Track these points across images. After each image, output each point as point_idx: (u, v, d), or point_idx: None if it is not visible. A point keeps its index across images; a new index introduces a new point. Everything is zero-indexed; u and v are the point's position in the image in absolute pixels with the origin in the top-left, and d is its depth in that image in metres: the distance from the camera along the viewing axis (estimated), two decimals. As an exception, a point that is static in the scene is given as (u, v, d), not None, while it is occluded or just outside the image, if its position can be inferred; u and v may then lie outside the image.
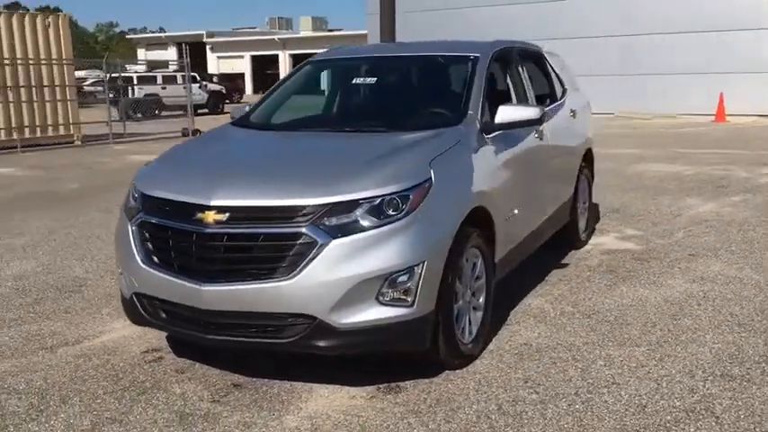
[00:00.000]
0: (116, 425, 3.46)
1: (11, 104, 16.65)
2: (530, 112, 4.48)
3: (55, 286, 5.77)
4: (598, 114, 23.07)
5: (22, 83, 16.89)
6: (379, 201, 3.51)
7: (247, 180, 3.75)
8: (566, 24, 24.86)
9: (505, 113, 4.45)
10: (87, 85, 34.86)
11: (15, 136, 16.55)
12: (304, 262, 3.39)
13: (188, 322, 3.68)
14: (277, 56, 51.70)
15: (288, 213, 3.47)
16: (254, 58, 53.58)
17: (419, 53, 5.32)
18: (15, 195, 10.43)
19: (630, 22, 24.26)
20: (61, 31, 17.75)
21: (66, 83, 17.94)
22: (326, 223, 3.44)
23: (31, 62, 17.11)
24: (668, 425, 3.33)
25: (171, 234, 3.67)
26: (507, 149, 4.61)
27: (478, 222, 4.10)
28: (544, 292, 5.29)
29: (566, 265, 5.97)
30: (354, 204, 3.48)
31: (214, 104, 32.20)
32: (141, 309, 3.87)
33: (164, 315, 3.80)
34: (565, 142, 5.87)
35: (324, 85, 5.57)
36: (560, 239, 6.22)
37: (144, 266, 3.75)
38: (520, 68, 5.35)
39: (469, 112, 4.40)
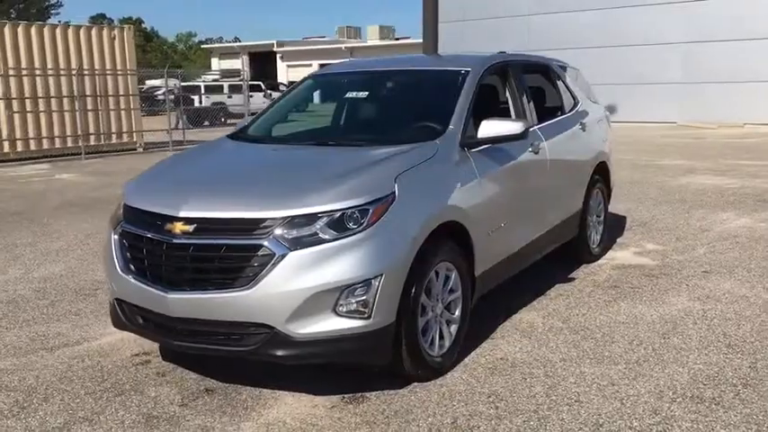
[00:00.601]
0: (86, 424, 3.65)
1: (77, 113, 17.43)
2: (513, 127, 4.49)
3: (74, 289, 6.06)
4: (659, 123, 22.78)
5: (88, 92, 17.67)
6: (339, 214, 3.60)
7: (215, 193, 3.90)
8: (631, 31, 24.35)
9: (488, 128, 4.47)
10: (160, 94, 36.10)
11: (80, 143, 17.31)
12: (262, 273, 3.51)
13: (160, 328, 3.85)
14: (344, 64, 52.24)
15: (249, 226, 3.59)
16: (321, 66, 54.28)
17: (413, 67, 5.39)
18: (67, 201, 10.92)
19: (696, 28, 23.56)
20: (126, 44, 18.51)
21: (130, 92, 18.68)
22: (286, 236, 3.54)
23: (96, 73, 17.89)
24: (617, 446, 3.30)
25: (145, 243, 3.84)
26: (494, 164, 4.63)
27: (453, 236, 4.14)
28: (540, 307, 5.26)
29: (571, 280, 5.91)
30: (314, 217, 3.58)
31: (279, 112, 32.73)
32: (121, 314, 4.06)
33: (141, 321, 3.97)
34: (570, 156, 5.81)
35: (317, 99, 5.67)
36: (568, 253, 6.16)
37: (122, 273, 3.94)
38: (520, 82, 5.34)
39: (450, 126, 4.43)
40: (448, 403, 3.77)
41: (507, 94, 5.24)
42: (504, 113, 5.04)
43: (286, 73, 54.51)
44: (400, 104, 5.14)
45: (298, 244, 3.53)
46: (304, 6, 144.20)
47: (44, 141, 17.24)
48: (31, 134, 16.95)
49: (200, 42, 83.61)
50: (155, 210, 3.84)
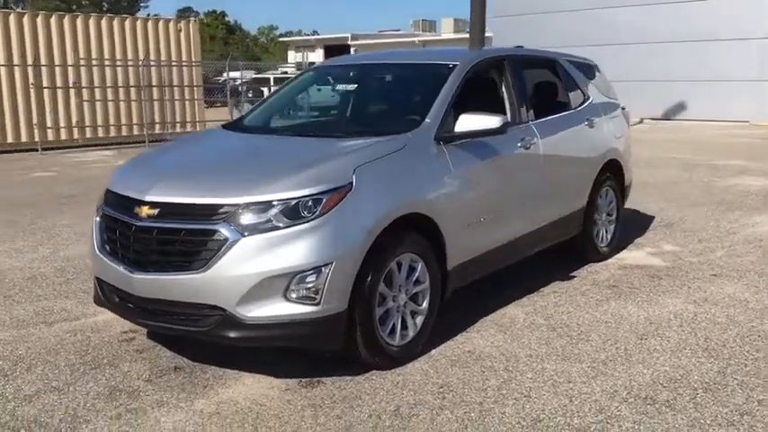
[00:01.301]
0: (55, 393, 3.88)
1: (143, 102, 18.11)
2: (490, 122, 4.49)
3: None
4: (730, 122, 21.87)
5: (153, 82, 18.33)
6: (293, 203, 3.70)
7: (182, 179, 4.07)
8: (704, 26, 23.44)
9: (466, 122, 4.49)
10: (238, 85, 37.02)
11: (144, 131, 17.98)
12: (216, 257, 3.65)
13: (128, 306, 4.05)
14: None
15: (207, 211, 3.74)
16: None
17: (403, 61, 5.43)
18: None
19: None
20: (191, 36, 19.09)
21: (194, 83, 19.28)
22: (241, 222, 3.68)
23: (162, 63, 18.53)
24: (548, 441, 3.30)
25: (117, 225, 4.05)
26: (473, 158, 4.64)
27: (419, 229, 4.19)
28: (529, 303, 5.24)
29: (572, 278, 5.85)
30: (268, 205, 3.69)
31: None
32: (100, 292, 4.29)
33: (116, 299, 4.18)
34: (571, 153, 5.74)
35: (316, 90, 5.79)
36: (570, 251, 6.10)
37: (99, 253, 4.16)
38: (516, 78, 5.30)
39: (426, 120, 4.47)
40: (398, 391, 3.83)
41: (503, 89, 5.23)
42: (496, 108, 5.02)
43: (360, 66, 54.80)
44: (385, 97, 5.22)
45: (251, 230, 3.66)
46: (380, 0, 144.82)
47: (111, 129, 17.98)
48: (99, 122, 17.71)
49: (281, 35, 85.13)
50: (126, 194, 4.05)
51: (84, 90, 17.36)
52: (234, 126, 5.21)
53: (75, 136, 17.49)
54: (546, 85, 5.84)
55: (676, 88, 23.37)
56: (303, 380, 3.98)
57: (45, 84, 16.81)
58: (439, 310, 4.45)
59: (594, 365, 4.13)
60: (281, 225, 3.67)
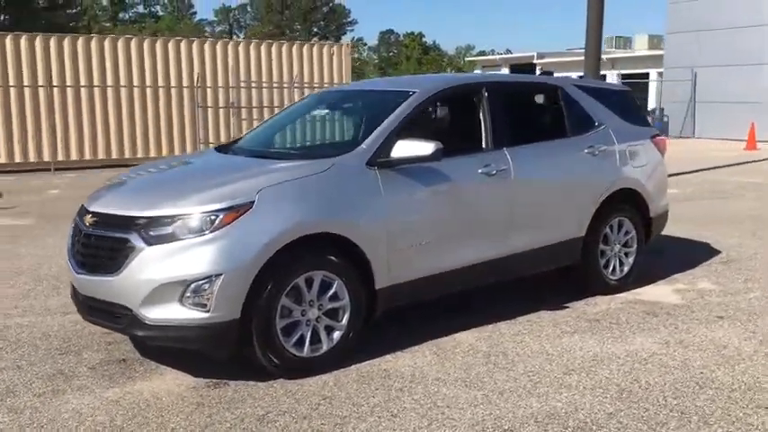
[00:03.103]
0: (13, 371, 4.56)
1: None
2: (424, 148, 4.60)
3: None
4: None
5: (305, 103, 19.59)
6: (195, 217, 4.11)
7: (125, 193, 4.63)
8: None
9: (401, 148, 4.64)
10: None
11: (294, 148, 19.25)
12: (126, 262, 4.14)
13: (79, 303, 4.65)
14: (604, 76, 50.61)
15: (125, 222, 4.25)
16: (579, 77, 53.13)
17: (371, 88, 5.62)
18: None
19: None
20: (343, 59, 20.19)
21: (344, 103, 20.32)
22: (150, 233, 4.14)
23: (315, 85, 19.76)
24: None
25: (74, 232, 4.68)
26: (414, 183, 4.75)
27: (337, 248, 4.41)
28: (492, 329, 5.19)
29: (561, 308, 5.70)
30: (173, 219, 4.13)
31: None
32: (72, 290, 4.93)
33: (76, 297, 4.80)
34: (560, 180, 5.61)
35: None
36: (569, 280, 5.94)
37: (68, 257, 4.81)
38: (492, 104, 5.30)
39: (362, 145, 4.68)
40: (282, 399, 4.08)
41: (473, 116, 5.27)
42: (462, 135, 5.10)
43: (545, 86, 54.02)
44: (341, 123, 5.45)
45: (156, 240, 4.11)
46: (571, 16, 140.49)
47: (265, 145, 19.44)
48: (254, 139, 19.24)
49: (478, 54, 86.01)
50: (84, 204, 4.67)
51: (241, 110, 18.96)
52: (222, 147, 5.71)
53: (233, 151, 19.11)
54: (535, 111, 5.76)
55: None
56: (213, 380, 4.35)
57: (209, 104, 18.61)
58: (396, 328, 4.68)
59: (489, 395, 4.10)
60: (182, 237, 4.08)
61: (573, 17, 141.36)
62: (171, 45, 18.38)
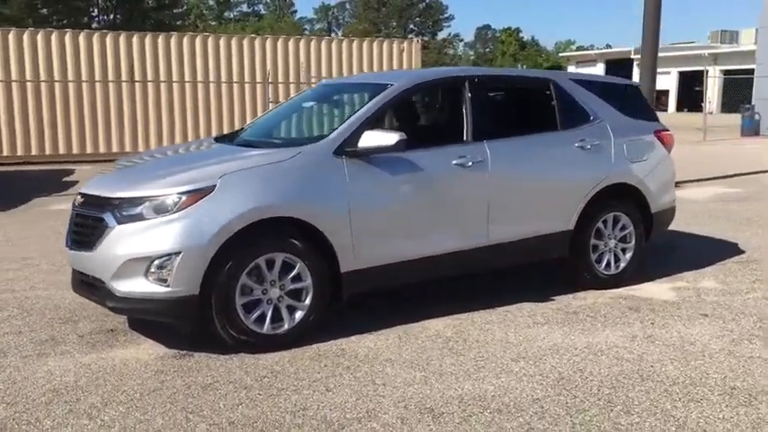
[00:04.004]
0: (13, 336, 5.04)
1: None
2: (386, 139, 4.78)
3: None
4: None
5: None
6: (160, 199, 4.45)
7: (108, 177, 5.02)
8: None
9: (367, 139, 4.83)
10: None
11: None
12: (100, 239, 4.53)
13: (73, 277, 5.09)
14: (704, 72, 48.52)
15: (102, 203, 4.64)
16: (681, 74, 51.21)
17: (355, 81, 5.80)
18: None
19: None
20: (413, 56, 20.38)
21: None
22: (123, 213, 4.51)
23: (384, 81, 20.04)
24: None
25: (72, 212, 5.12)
26: (381, 172, 4.92)
27: (301, 231, 4.66)
28: (465, 318, 5.30)
29: (544, 301, 5.73)
30: (141, 200, 4.48)
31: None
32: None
33: (72, 271, 5.23)
34: (544, 173, 5.64)
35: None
36: (556, 273, 5.96)
37: (67, 234, 5.26)
38: (474, 97, 5.41)
39: (331, 135, 4.90)
40: (234, 370, 4.36)
41: (451, 108, 5.40)
42: (440, 128, 5.24)
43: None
44: (326, 113, 5.66)
45: (126, 219, 4.48)
46: (673, 11, 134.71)
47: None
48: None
49: (577, 49, 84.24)
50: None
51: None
52: (222, 137, 6.05)
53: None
54: (523, 105, 5.79)
55: None
56: (181, 351, 4.69)
57: (280, 99, 19.21)
58: (377, 313, 5.02)
59: (428, 376, 4.25)
60: (148, 217, 4.43)
61: (675, 12, 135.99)
62: (245, 42, 19.09)
